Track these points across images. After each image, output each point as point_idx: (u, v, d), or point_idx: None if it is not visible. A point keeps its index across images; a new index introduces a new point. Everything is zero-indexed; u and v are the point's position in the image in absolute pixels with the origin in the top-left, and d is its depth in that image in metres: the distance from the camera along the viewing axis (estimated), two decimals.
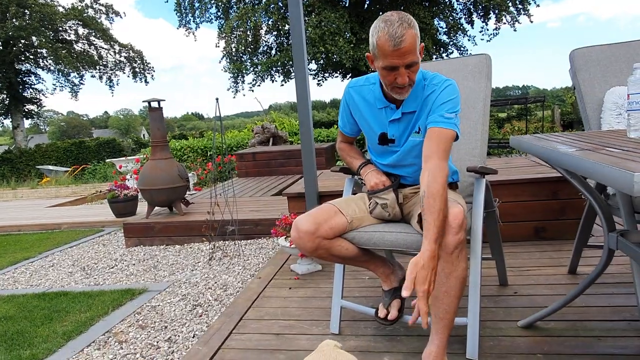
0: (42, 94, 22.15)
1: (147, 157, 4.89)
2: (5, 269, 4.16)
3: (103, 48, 22.56)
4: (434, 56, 15.59)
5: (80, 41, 22.03)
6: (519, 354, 1.70)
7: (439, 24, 15.89)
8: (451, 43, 16.59)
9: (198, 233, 4.24)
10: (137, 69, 23.42)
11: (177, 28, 21.79)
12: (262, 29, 15.66)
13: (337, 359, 1.02)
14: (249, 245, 4.05)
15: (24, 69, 21.33)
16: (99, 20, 22.05)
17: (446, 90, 1.60)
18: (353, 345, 1.86)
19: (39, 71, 22.18)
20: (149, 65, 23.76)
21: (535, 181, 2.95)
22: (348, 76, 16.35)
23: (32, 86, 21.82)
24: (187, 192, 5.78)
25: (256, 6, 15.21)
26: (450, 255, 1.40)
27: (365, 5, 15.87)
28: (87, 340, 2.50)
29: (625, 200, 1.77)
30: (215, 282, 3.22)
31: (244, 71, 16.33)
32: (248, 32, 15.42)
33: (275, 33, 15.95)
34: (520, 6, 14.83)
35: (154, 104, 4.58)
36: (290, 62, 14.84)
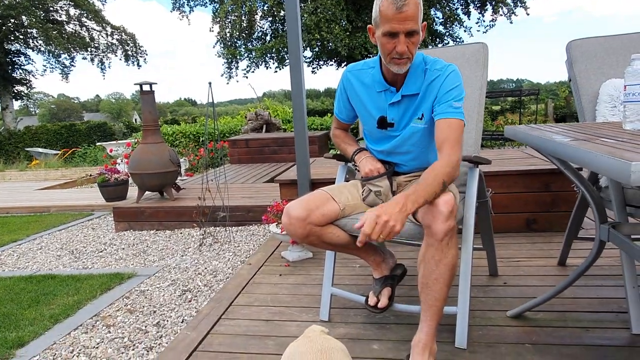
0: (32, 75, 21.76)
1: (138, 142, 4.83)
2: None
3: (95, 30, 22.17)
4: (430, 46, 15.52)
5: (72, 22, 21.61)
6: (508, 343, 1.70)
7: (435, 14, 15.79)
8: (447, 34, 16.51)
9: (189, 219, 4.21)
10: (129, 52, 23.07)
11: (171, 11, 21.45)
12: (257, 14, 15.46)
13: (324, 345, 1.01)
14: (240, 232, 4.03)
15: (13, 49, 20.92)
16: (91, 2, 21.64)
17: (451, 76, 1.59)
18: (343, 333, 1.85)
19: (29, 52, 21.80)
20: (141, 49, 23.43)
21: (528, 173, 2.96)
22: (343, 64, 16.25)
23: (22, 67, 21.43)
24: (179, 178, 5.74)
25: None
26: (440, 242, 1.39)
27: None
28: (74, 324, 2.48)
29: (617, 193, 1.78)
30: (205, 268, 3.21)
31: (238, 57, 16.14)
32: (243, 17, 15.21)
33: (270, 19, 15.76)
34: None
35: (146, 87, 4.52)
36: (285, 49, 14.70)
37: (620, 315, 1.83)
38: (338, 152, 2.05)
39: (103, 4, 23.28)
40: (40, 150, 14.68)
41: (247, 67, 16.19)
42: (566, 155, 1.14)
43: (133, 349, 2.16)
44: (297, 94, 2.96)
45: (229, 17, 15.15)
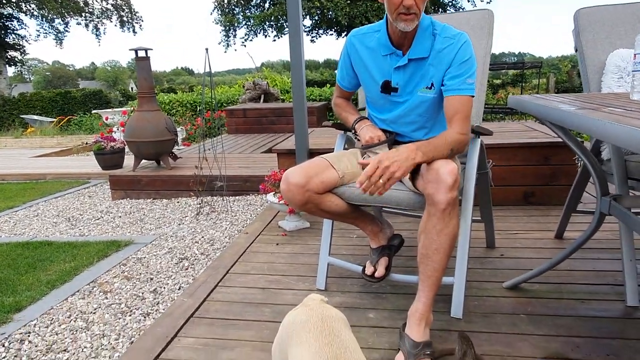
0: (26, 41, 21.27)
1: (134, 110, 4.75)
2: None
3: None
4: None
5: None
6: (503, 313, 1.71)
7: None
8: (450, 3, 16.17)
9: (186, 188, 4.19)
10: (124, 18, 22.53)
11: None
12: None
13: (324, 314, 1.00)
14: (237, 202, 4.02)
15: (5, 12, 20.38)
16: None
17: (464, 47, 1.56)
18: (339, 302, 1.86)
19: (22, 16, 21.23)
20: (137, 15, 22.87)
21: (528, 146, 2.93)
22: (343, 34, 15.95)
23: (15, 32, 20.92)
24: (176, 147, 5.69)
25: None
26: (442, 212, 1.37)
27: None
28: (71, 290, 2.49)
29: (619, 165, 1.75)
30: (202, 237, 3.20)
31: (236, 24, 15.82)
32: None
33: None
34: None
35: (141, 53, 4.41)
36: (284, 17, 14.38)
37: (616, 288, 1.84)
38: (337, 121, 2.01)
39: None
40: (35, 117, 14.50)
41: (245, 35, 15.89)
42: (572, 124, 1.11)
43: (130, 315, 2.17)
44: (296, 60, 2.89)
45: None
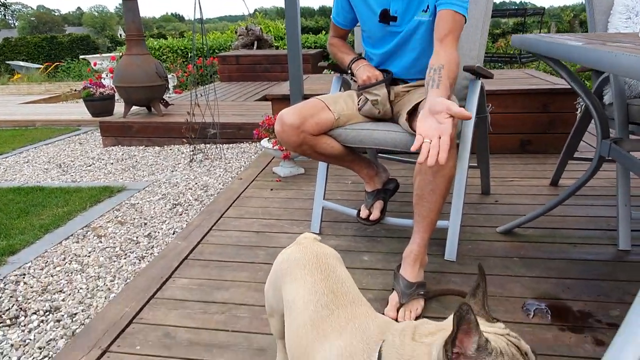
0: None
1: (123, 55, 4.58)
2: None
3: None
4: None
5: None
6: (496, 256, 1.73)
7: None
8: None
9: (178, 135, 4.12)
10: None
11: None
12: None
13: (318, 251, 0.99)
14: (230, 149, 3.97)
15: None
16: None
17: None
18: (333, 245, 1.86)
19: None
20: None
21: (527, 92, 2.87)
22: None
23: None
24: (167, 95, 5.56)
25: None
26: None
27: None
28: (65, 234, 2.48)
29: (621, 109, 1.72)
30: (196, 183, 3.18)
31: None
32: None
33: None
34: None
35: None
36: None
37: (608, 233, 1.85)
38: (334, 62, 1.94)
39: None
40: (21, 63, 14.07)
41: None
42: (580, 58, 1.06)
43: (125, 258, 2.18)
44: (290, 3, 2.76)
45: None
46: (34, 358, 1.52)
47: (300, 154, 1.65)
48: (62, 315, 1.74)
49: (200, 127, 3.85)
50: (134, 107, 4.55)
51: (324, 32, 11.05)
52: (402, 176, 2.53)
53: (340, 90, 1.92)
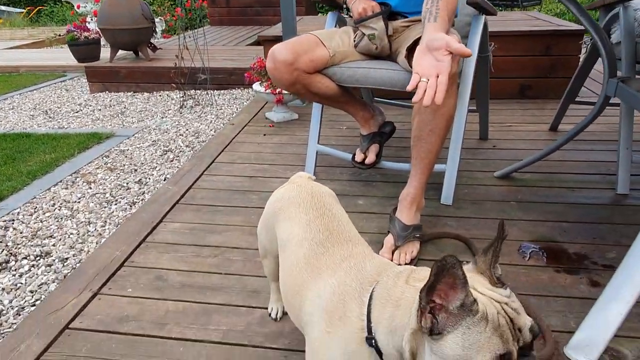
0: None
1: None
2: None
3: None
4: None
5: None
6: (493, 201, 1.70)
7: None
8: None
9: (167, 80, 3.98)
10: None
11: None
12: None
13: (313, 190, 0.94)
14: (222, 95, 3.85)
15: None
16: None
17: None
18: None
19: None
20: None
21: (530, 34, 2.76)
22: None
23: None
24: (155, 39, 5.33)
25: None
26: None
27: None
28: (53, 180, 2.43)
29: (629, 48, 1.64)
30: (187, 130, 3.10)
31: None
32: None
33: None
34: None
35: None
36: None
37: (607, 177, 1.83)
38: None
39: None
40: (2, 7, 13.42)
41: None
42: None
43: (115, 204, 2.14)
44: None
45: None
46: (25, 301, 1.50)
47: (294, 94, 1.58)
48: (53, 260, 1.72)
49: (189, 72, 3.71)
50: (120, 52, 4.37)
51: None
52: (399, 121, 2.46)
53: (335, 26, 1.82)
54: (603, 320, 0.99)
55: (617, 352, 1.02)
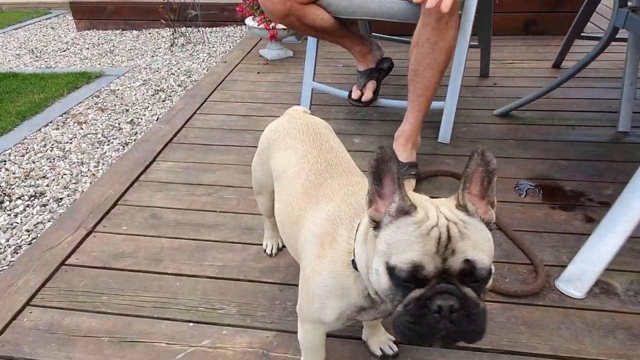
0: None
1: None
2: None
3: None
4: None
5: None
6: (491, 139, 1.67)
7: None
8: None
9: (157, 17, 3.80)
10: None
11: None
12: None
13: (308, 121, 0.91)
14: (214, 33, 3.70)
15: None
16: None
17: None
18: None
19: None
20: None
21: None
22: None
23: None
24: None
25: None
26: (438, 21, 1.21)
27: None
28: (44, 121, 2.37)
29: None
30: (179, 69, 3.00)
31: None
32: None
33: None
34: None
35: None
36: None
37: (608, 115, 1.79)
38: None
39: None
40: None
41: None
42: None
43: (108, 144, 2.10)
44: None
45: None
46: (22, 240, 1.51)
47: (287, 27, 1.51)
48: (48, 200, 1.71)
49: (179, 7, 3.55)
50: None
51: None
52: (397, 58, 2.38)
53: None
54: (596, 254, 1.00)
55: (607, 285, 1.03)
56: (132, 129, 2.24)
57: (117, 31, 3.95)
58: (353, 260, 0.62)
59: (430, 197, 0.62)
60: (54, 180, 1.84)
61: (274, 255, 1.15)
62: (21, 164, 1.97)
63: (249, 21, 2.53)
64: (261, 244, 1.18)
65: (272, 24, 2.38)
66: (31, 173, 1.90)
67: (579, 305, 0.99)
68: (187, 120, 1.86)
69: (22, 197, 1.73)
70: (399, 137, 1.40)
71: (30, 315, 1.01)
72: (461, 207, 0.55)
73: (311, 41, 1.75)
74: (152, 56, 3.29)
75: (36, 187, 1.80)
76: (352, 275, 0.64)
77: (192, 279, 1.10)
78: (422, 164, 1.48)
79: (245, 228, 1.26)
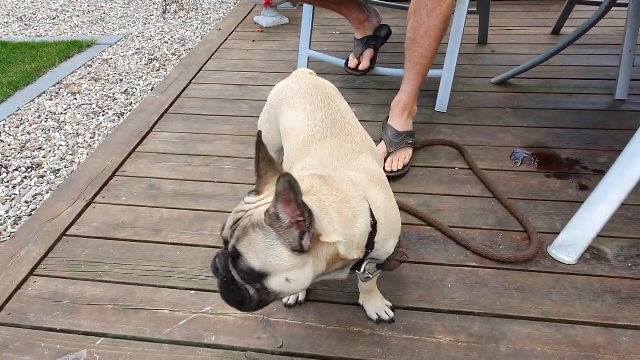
0: None
1: None
2: None
3: None
4: None
5: None
6: (488, 107, 1.67)
7: None
8: None
9: None
10: None
11: None
12: None
13: (316, 82, 0.92)
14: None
15: None
16: None
17: None
18: None
19: None
20: None
21: None
22: None
23: None
24: None
25: None
26: None
27: None
28: (37, 91, 2.35)
29: None
30: (172, 37, 2.95)
31: None
32: None
33: None
34: None
35: None
36: None
37: (606, 83, 1.78)
38: None
39: None
40: None
41: None
42: None
43: (103, 115, 2.09)
44: None
45: None
46: (22, 211, 1.52)
47: None
48: (45, 172, 1.72)
49: None
50: None
51: None
52: (395, 25, 2.34)
53: None
54: (588, 220, 1.02)
55: (598, 251, 1.06)
56: (127, 99, 2.22)
57: None
58: None
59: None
60: (50, 151, 1.84)
61: None
62: (16, 136, 1.96)
63: None
64: None
65: None
66: (27, 144, 1.89)
67: (570, 271, 1.01)
68: (183, 90, 1.84)
69: (19, 169, 1.73)
70: (395, 107, 1.39)
71: (35, 284, 1.03)
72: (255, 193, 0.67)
73: (307, 8, 1.71)
74: (145, 24, 3.22)
75: (32, 158, 1.80)
76: None
77: (193, 249, 1.11)
78: (419, 133, 1.48)
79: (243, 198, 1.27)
